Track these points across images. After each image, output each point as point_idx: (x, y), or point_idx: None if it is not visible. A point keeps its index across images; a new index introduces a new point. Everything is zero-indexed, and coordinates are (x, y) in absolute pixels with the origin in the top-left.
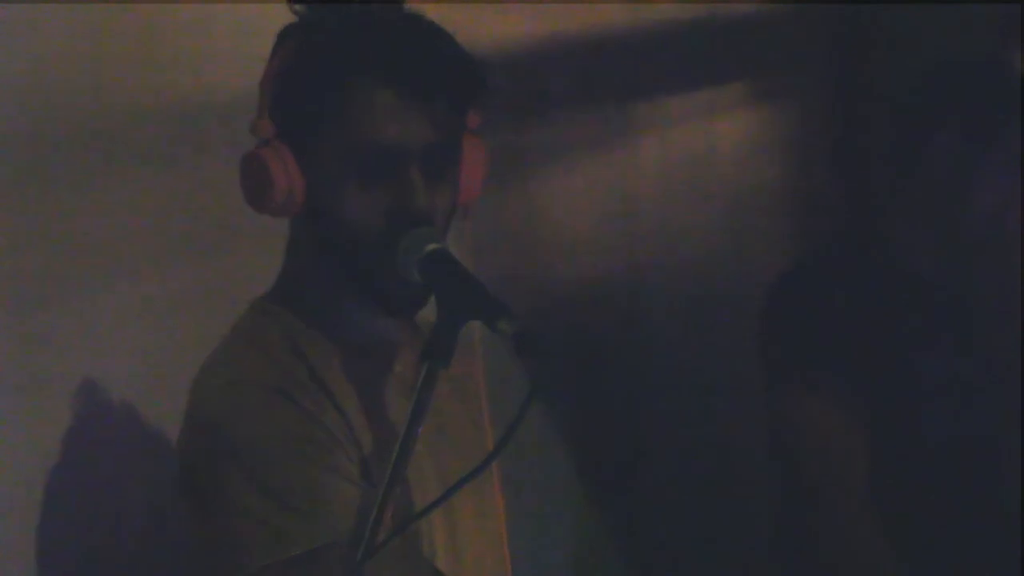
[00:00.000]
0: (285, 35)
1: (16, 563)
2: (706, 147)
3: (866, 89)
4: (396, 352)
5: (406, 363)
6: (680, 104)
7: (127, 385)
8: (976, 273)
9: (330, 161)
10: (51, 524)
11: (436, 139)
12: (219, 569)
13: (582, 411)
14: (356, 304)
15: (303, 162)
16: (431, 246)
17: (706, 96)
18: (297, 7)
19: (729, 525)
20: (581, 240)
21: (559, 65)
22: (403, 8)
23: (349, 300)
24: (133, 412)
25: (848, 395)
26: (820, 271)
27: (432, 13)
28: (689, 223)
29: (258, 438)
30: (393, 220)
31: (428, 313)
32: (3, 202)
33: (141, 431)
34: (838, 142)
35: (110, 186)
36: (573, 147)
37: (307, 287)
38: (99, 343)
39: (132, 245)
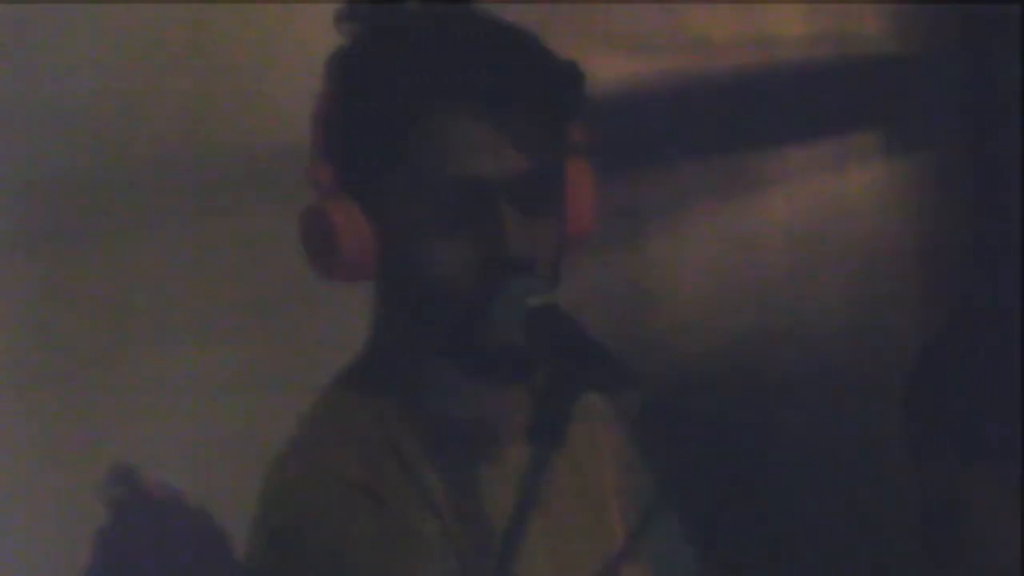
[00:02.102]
0: (334, 62)
1: None
2: (835, 200)
3: (1005, 139)
4: (504, 435)
5: (517, 448)
6: (808, 155)
7: (171, 472)
8: None
9: (403, 206)
10: None
11: (530, 166)
12: None
13: (707, 490)
14: (454, 377)
15: (372, 212)
16: (536, 300)
17: (836, 146)
18: (346, 26)
19: None
20: (700, 302)
21: (675, 110)
22: (472, 10)
23: (444, 372)
24: (179, 508)
25: (1006, 469)
26: (972, 338)
27: None
28: (819, 283)
29: (341, 545)
30: (487, 270)
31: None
32: (41, 257)
33: (188, 526)
34: (977, 197)
35: (161, 241)
36: (691, 200)
37: (395, 359)
38: (136, 428)
39: (184, 309)
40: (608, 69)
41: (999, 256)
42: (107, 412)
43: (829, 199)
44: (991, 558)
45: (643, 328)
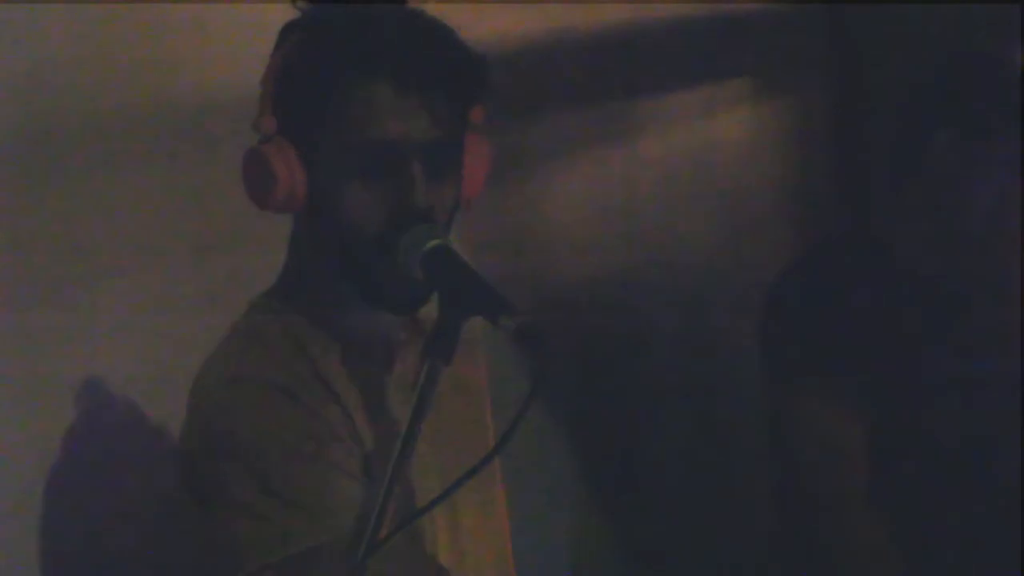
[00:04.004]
0: (287, 31)
1: (18, 563)
2: (707, 145)
3: (867, 86)
4: (398, 350)
5: (408, 361)
6: (681, 101)
7: (129, 384)
8: (976, 270)
9: (332, 158)
10: (53, 523)
11: (438, 135)
12: (221, 567)
13: (581, 409)
14: (357, 302)
15: (305, 158)
16: (433, 243)
17: (707, 93)
18: (300, 3)
19: (727, 524)
20: (581, 238)
21: (560, 62)
22: (404, 5)
23: (350, 297)
24: (136, 410)
25: (850, 394)
26: (821, 270)
27: (433, 10)
28: (689, 221)
29: (259, 435)
30: (394, 217)
31: (431, 310)
32: (4, 201)
33: (144, 429)
34: (838, 140)
35: (112, 185)
36: (574, 145)
37: (308, 284)
38: (101, 342)
39: (135, 244)
40: (503, 26)
41: (849, 195)
42: (73, 334)
43: (701, 142)
44: (812, 470)
45: (528, 260)
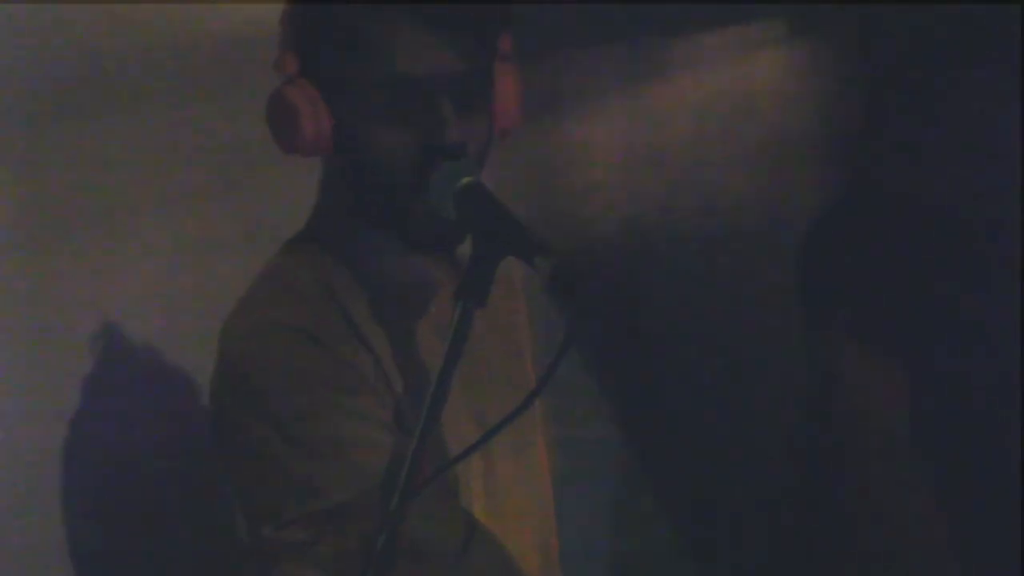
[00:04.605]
0: None
1: (38, 513)
2: (741, 85)
3: (900, 25)
4: (432, 292)
5: (442, 303)
6: (715, 40)
7: (151, 329)
8: (1010, 213)
9: (357, 96)
10: (73, 472)
11: (466, 68)
12: (249, 521)
13: (614, 354)
14: (389, 243)
15: (330, 99)
16: (465, 180)
17: (741, 32)
18: None
19: (756, 469)
20: (614, 180)
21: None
22: None
23: (382, 239)
24: (157, 356)
25: (888, 339)
26: (859, 215)
27: None
28: (722, 162)
29: (286, 384)
30: (425, 155)
31: (467, 249)
32: (20, 141)
33: (166, 376)
34: (872, 81)
35: (132, 124)
36: (606, 84)
37: (339, 226)
38: (120, 285)
39: (157, 185)
40: None
41: (892, 137)
42: (91, 277)
43: (734, 82)
44: (857, 428)
45: (560, 200)
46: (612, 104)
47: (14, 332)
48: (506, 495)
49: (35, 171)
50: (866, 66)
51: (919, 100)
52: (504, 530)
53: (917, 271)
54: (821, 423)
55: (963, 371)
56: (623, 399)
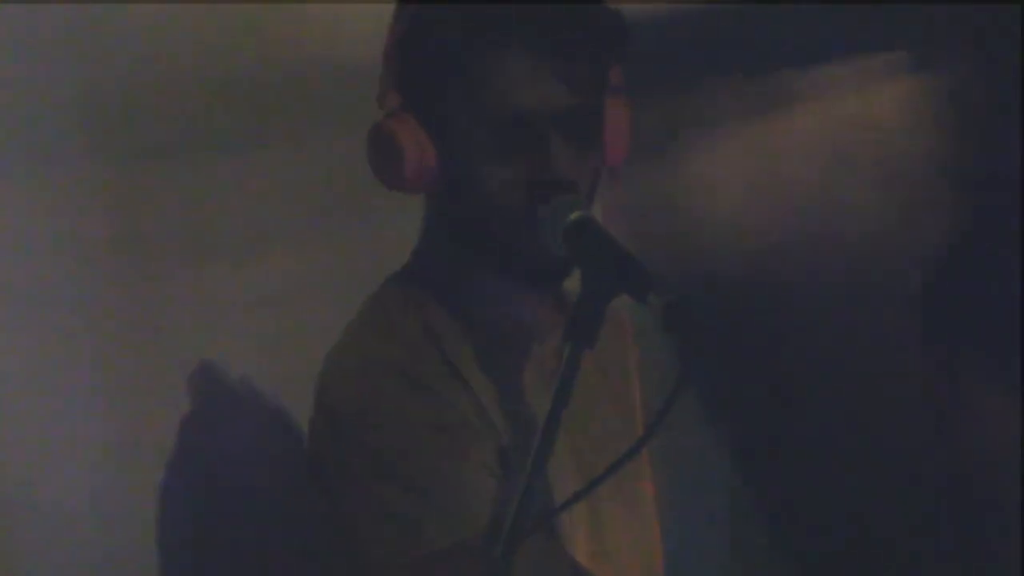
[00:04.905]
0: None
1: (136, 553)
2: (862, 119)
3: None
4: (536, 334)
5: (548, 345)
6: (837, 72)
7: (250, 368)
8: None
9: (463, 131)
10: (170, 513)
11: (576, 101)
12: (348, 565)
13: (732, 391)
14: (494, 282)
15: (434, 133)
16: (575, 215)
17: (862, 65)
18: None
19: (884, 507)
20: (732, 213)
21: (709, 31)
22: None
23: (487, 278)
24: (257, 396)
25: (1013, 379)
26: (986, 249)
27: None
28: (843, 198)
29: (388, 426)
30: (534, 190)
31: (574, 286)
32: (125, 173)
33: (266, 416)
34: (1004, 113)
35: (234, 160)
36: (724, 117)
37: (442, 264)
38: (220, 324)
39: (258, 222)
40: None
41: (1016, 172)
42: (186, 314)
43: (855, 116)
44: (982, 441)
45: (678, 238)
46: (732, 137)
47: (111, 371)
48: (611, 538)
49: (134, 208)
50: (991, 98)
51: None
52: (609, 574)
53: None
54: (948, 463)
55: None
56: (742, 437)
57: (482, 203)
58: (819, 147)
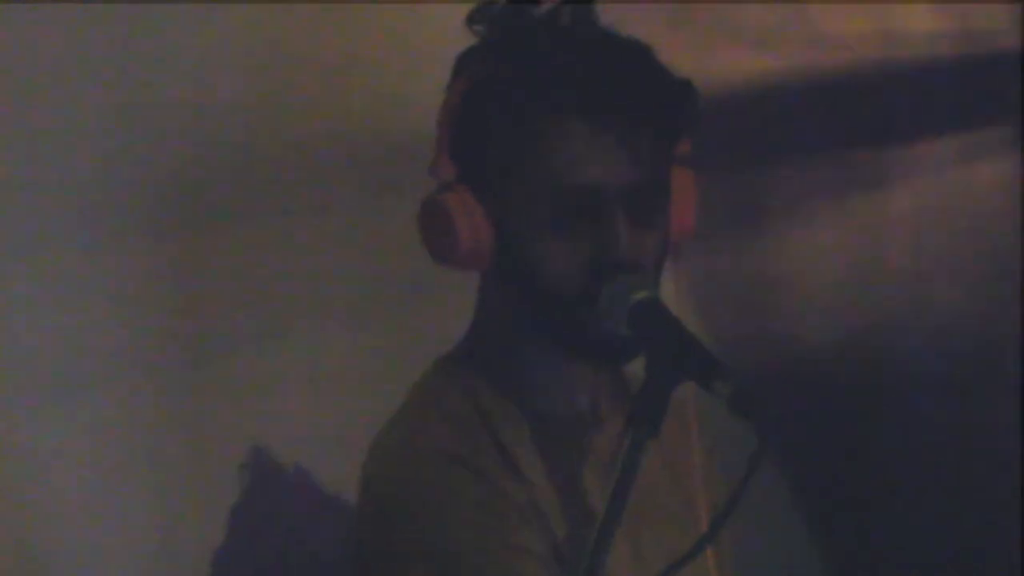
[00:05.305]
0: (465, 62)
1: None
2: (961, 198)
3: None
4: (595, 420)
5: (608, 432)
6: (933, 150)
7: (302, 451)
8: None
9: (521, 206)
10: None
11: (642, 175)
12: None
13: (821, 485)
14: (551, 366)
15: (491, 208)
16: (640, 295)
17: (960, 141)
18: (477, 27)
19: None
20: (821, 297)
21: (799, 105)
22: (597, 24)
23: (543, 362)
24: (308, 481)
25: None
26: None
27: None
28: (943, 280)
29: (440, 514)
30: (596, 269)
31: (638, 370)
32: (183, 244)
33: (318, 501)
34: None
35: (289, 234)
36: (815, 195)
37: (496, 347)
38: (272, 404)
39: (310, 298)
40: (735, 64)
41: None
42: (237, 397)
43: (955, 195)
44: None
45: (761, 321)
46: (821, 215)
47: (161, 461)
48: None
49: (186, 289)
50: None
51: None
52: None
53: None
54: None
55: None
56: (825, 533)
57: (540, 282)
58: (917, 226)
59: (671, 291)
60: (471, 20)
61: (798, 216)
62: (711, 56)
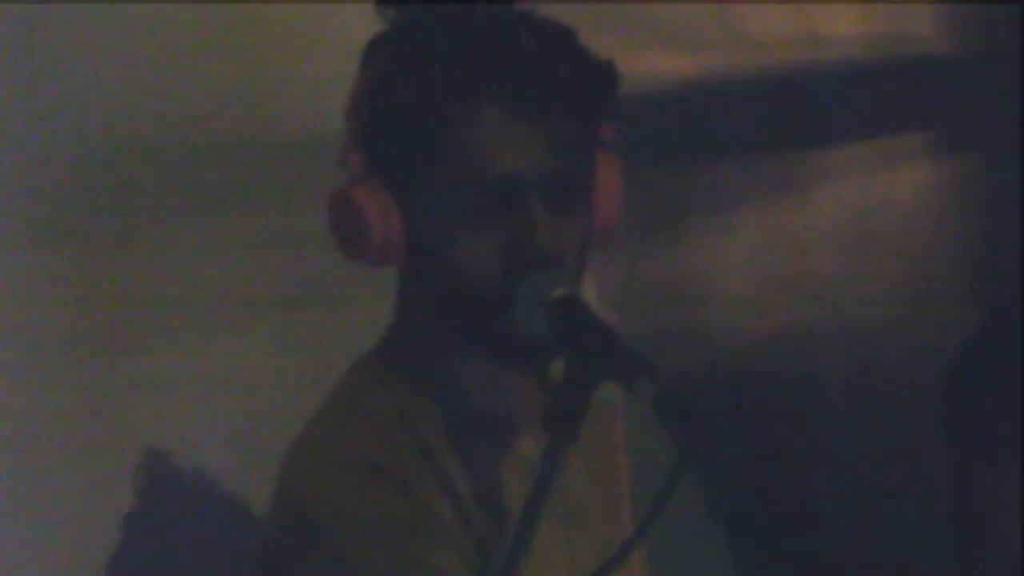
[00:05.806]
0: (373, 49)
1: None
2: (884, 201)
3: None
4: (520, 424)
5: (531, 437)
6: (856, 154)
7: (202, 454)
8: None
9: (434, 198)
10: None
11: (560, 162)
12: None
13: (738, 486)
14: (473, 365)
15: (402, 200)
16: (558, 291)
17: (885, 145)
18: (386, 11)
19: None
20: (742, 297)
21: (722, 108)
22: (511, 7)
23: (464, 360)
24: (208, 485)
25: None
26: (1012, 337)
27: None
28: (864, 283)
29: (354, 526)
30: (513, 263)
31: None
32: (74, 245)
33: (219, 507)
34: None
35: (190, 230)
36: (737, 198)
37: (416, 345)
38: (170, 406)
39: (211, 297)
40: (658, 66)
41: None
42: (130, 402)
43: (877, 199)
44: (1015, 556)
45: (681, 322)
46: (743, 219)
47: (60, 459)
48: None
49: (93, 279)
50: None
51: None
52: None
53: None
54: (974, 563)
55: None
56: (744, 534)
57: (457, 277)
58: (836, 230)
59: (591, 290)
60: (380, 4)
61: (720, 218)
62: (634, 57)
